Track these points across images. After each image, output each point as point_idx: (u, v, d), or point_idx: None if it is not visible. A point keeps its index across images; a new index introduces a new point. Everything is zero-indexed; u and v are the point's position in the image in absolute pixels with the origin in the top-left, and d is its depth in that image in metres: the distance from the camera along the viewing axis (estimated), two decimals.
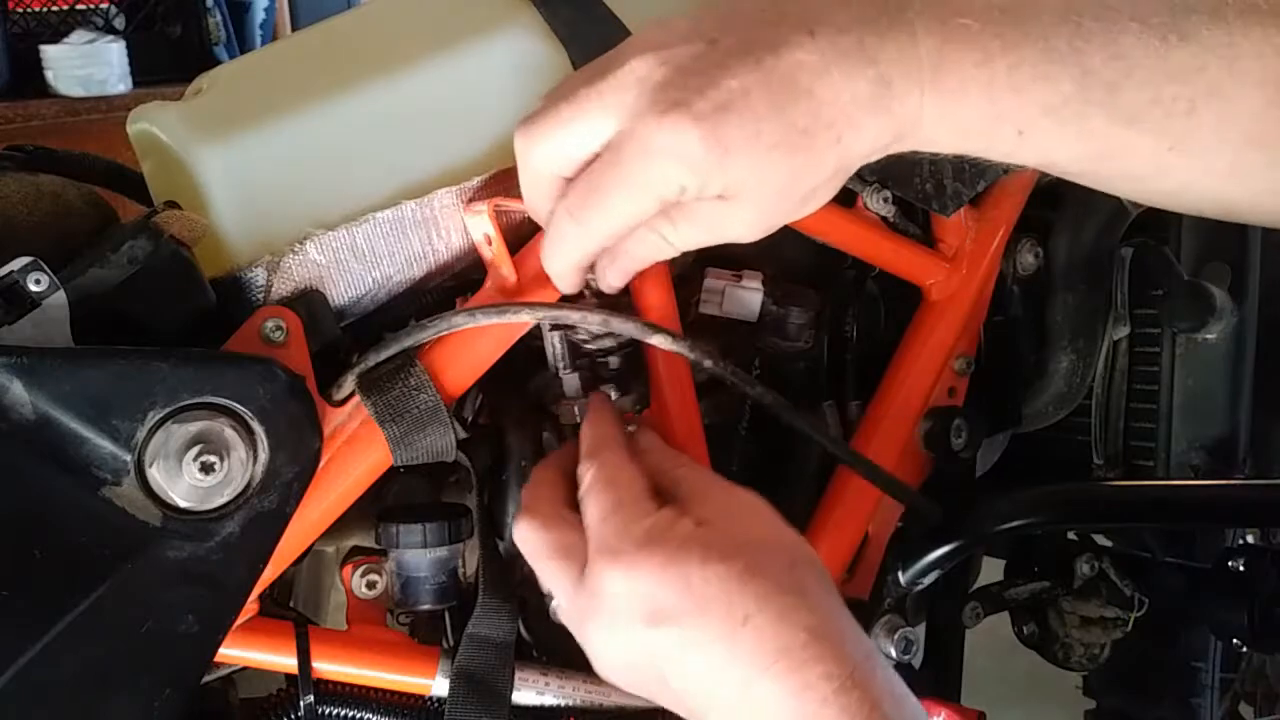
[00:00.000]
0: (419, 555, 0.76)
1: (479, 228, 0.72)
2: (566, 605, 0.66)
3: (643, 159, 0.60)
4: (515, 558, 0.80)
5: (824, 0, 0.60)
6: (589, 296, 0.75)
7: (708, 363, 0.74)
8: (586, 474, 0.68)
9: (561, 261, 0.68)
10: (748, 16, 0.61)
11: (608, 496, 0.66)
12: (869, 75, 0.58)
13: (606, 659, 0.65)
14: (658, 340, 0.73)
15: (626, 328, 0.73)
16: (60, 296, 0.59)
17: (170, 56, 2.89)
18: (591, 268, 0.70)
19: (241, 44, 3.09)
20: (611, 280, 0.70)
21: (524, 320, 0.72)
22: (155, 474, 0.60)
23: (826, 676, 0.58)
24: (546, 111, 0.63)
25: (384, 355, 0.69)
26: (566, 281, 0.70)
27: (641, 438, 0.74)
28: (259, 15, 3.18)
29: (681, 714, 0.63)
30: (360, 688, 0.76)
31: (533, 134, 0.64)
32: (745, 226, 0.64)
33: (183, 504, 0.61)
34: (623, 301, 0.78)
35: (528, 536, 0.69)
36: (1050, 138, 0.60)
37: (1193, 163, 0.61)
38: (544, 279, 0.73)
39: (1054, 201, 0.99)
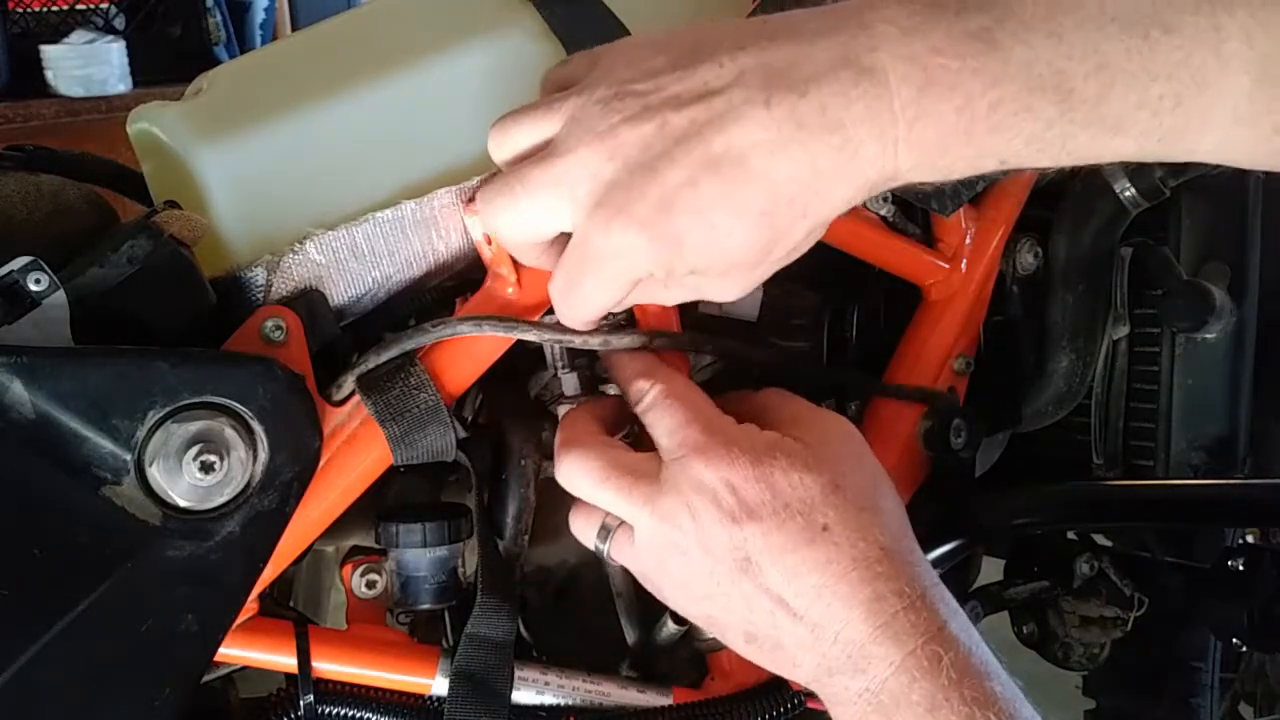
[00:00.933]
0: (419, 555, 0.76)
1: (479, 227, 0.72)
2: (638, 527, 0.67)
3: (600, 261, 0.61)
4: (515, 557, 0.80)
5: (788, 48, 0.58)
6: None
7: (707, 347, 0.74)
8: (648, 391, 0.69)
9: (571, 323, 0.69)
10: (703, 77, 0.58)
11: (680, 407, 0.67)
12: (833, 143, 0.56)
13: (684, 571, 0.65)
14: (660, 346, 0.74)
15: (625, 342, 0.73)
16: (60, 296, 0.59)
17: (170, 56, 2.89)
18: None
19: (241, 44, 3.10)
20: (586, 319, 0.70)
21: (529, 338, 0.71)
22: (155, 473, 0.60)
23: (898, 593, 0.61)
24: (501, 188, 0.64)
25: (385, 357, 0.69)
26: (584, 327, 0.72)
27: (764, 394, 0.74)
28: (259, 15, 3.18)
29: (753, 641, 0.65)
30: (360, 687, 0.76)
31: (492, 210, 0.65)
32: (725, 293, 0.65)
33: (183, 503, 0.61)
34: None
35: (582, 465, 0.68)
36: (1034, 160, 0.59)
37: (1178, 148, 0.60)
38: (543, 279, 0.73)
39: (1053, 201, 0.99)
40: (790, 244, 0.61)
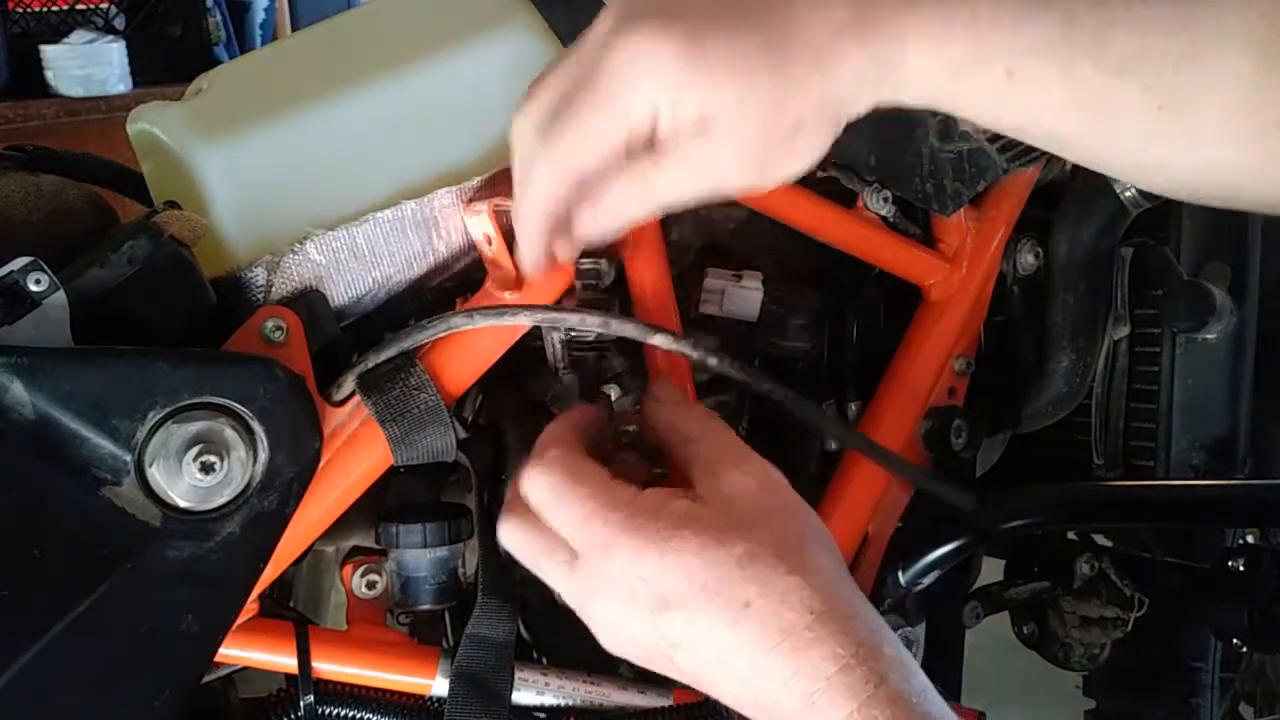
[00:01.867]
0: (419, 555, 0.76)
1: (479, 227, 0.72)
2: (565, 597, 0.65)
3: (614, 72, 0.58)
4: (515, 558, 0.80)
5: None
6: (579, 293, 0.75)
7: (712, 360, 0.73)
8: (537, 482, 0.64)
9: (531, 203, 0.63)
10: None
11: (573, 496, 0.63)
12: (848, 1, 0.57)
13: (610, 638, 0.64)
14: (658, 340, 0.73)
15: (626, 329, 0.72)
16: (60, 296, 0.59)
17: (170, 56, 2.89)
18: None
19: (241, 44, 3.10)
20: (590, 229, 0.64)
21: (522, 323, 0.72)
22: (155, 474, 0.60)
23: (832, 657, 0.58)
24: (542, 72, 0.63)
25: (384, 355, 0.69)
26: (531, 234, 0.65)
27: (660, 388, 0.71)
28: (259, 15, 3.18)
29: (691, 685, 0.63)
30: (360, 688, 0.76)
31: (529, 90, 0.63)
32: (733, 165, 0.60)
33: (183, 504, 0.61)
34: (622, 304, 0.78)
35: (509, 539, 0.67)
36: (1038, 81, 0.58)
37: (1181, 126, 0.59)
38: (544, 279, 0.73)
39: (1054, 201, 0.99)
40: (802, 105, 0.58)
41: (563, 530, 0.63)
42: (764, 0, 0.58)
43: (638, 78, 0.57)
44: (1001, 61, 0.58)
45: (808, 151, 0.61)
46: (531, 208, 0.64)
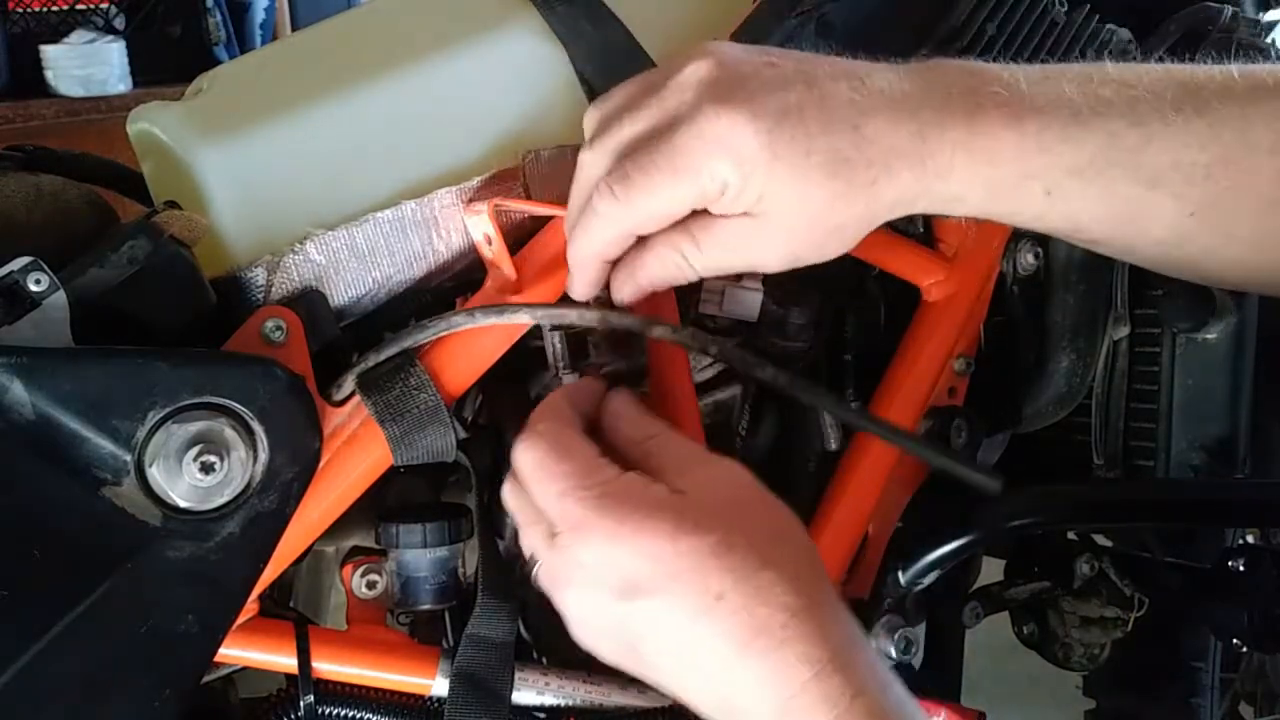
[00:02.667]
0: (419, 555, 0.76)
1: (479, 227, 0.72)
2: (542, 579, 0.65)
3: (696, 143, 0.61)
4: (515, 558, 0.80)
5: (870, 63, 0.65)
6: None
7: (713, 349, 0.73)
8: (523, 455, 0.65)
9: (589, 244, 0.67)
10: (802, 56, 0.64)
11: (554, 471, 0.63)
12: (910, 128, 0.62)
13: (580, 627, 0.63)
14: (659, 332, 0.73)
15: (625, 322, 0.72)
16: (60, 297, 0.59)
17: (170, 56, 2.89)
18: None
19: (241, 44, 3.10)
20: (623, 293, 0.70)
21: (522, 321, 0.71)
22: (155, 474, 0.60)
23: (806, 659, 0.56)
24: (615, 94, 0.67)
25: (384, 355, 0.69)
26: (586, 272, 0.69)
27: (612, 400, 0.70)
28: (259, 15, 3.18)
29: (658, 685, 0.62)
30: (360, 688, 0.76)
31: (600, 109, 0.67)
32: (772, 250, 0.65)
33: (183, 504, 0.61)
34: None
35: (506, 499, 0.67)
36: (1076, 198, 0.63)
37: (1214, 228, 0.63)
38: (545, 279, 0.73)
39: None
40: (847, 212, 0.63)
41: (542, 504, 0.63)
42: (841, 109, 0.62)
43: (719, 157, 0.61)
44: (1042, 182, 0.63)
45: (839, 247, 0.66)
46: (589, 248, 0.68)
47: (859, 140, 0.61)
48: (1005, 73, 0.63)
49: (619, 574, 0.59)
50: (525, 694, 0.77)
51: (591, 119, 0.68)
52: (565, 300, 0.74)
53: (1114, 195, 0.62)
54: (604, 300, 0.73)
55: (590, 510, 0.60)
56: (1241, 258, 0.65)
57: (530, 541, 0.65)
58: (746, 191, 0.61)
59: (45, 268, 0.59)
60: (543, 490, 0.63)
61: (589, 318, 0.71)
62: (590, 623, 0.62)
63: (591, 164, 0.66)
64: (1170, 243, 0.65)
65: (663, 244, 0.66)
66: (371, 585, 0.78)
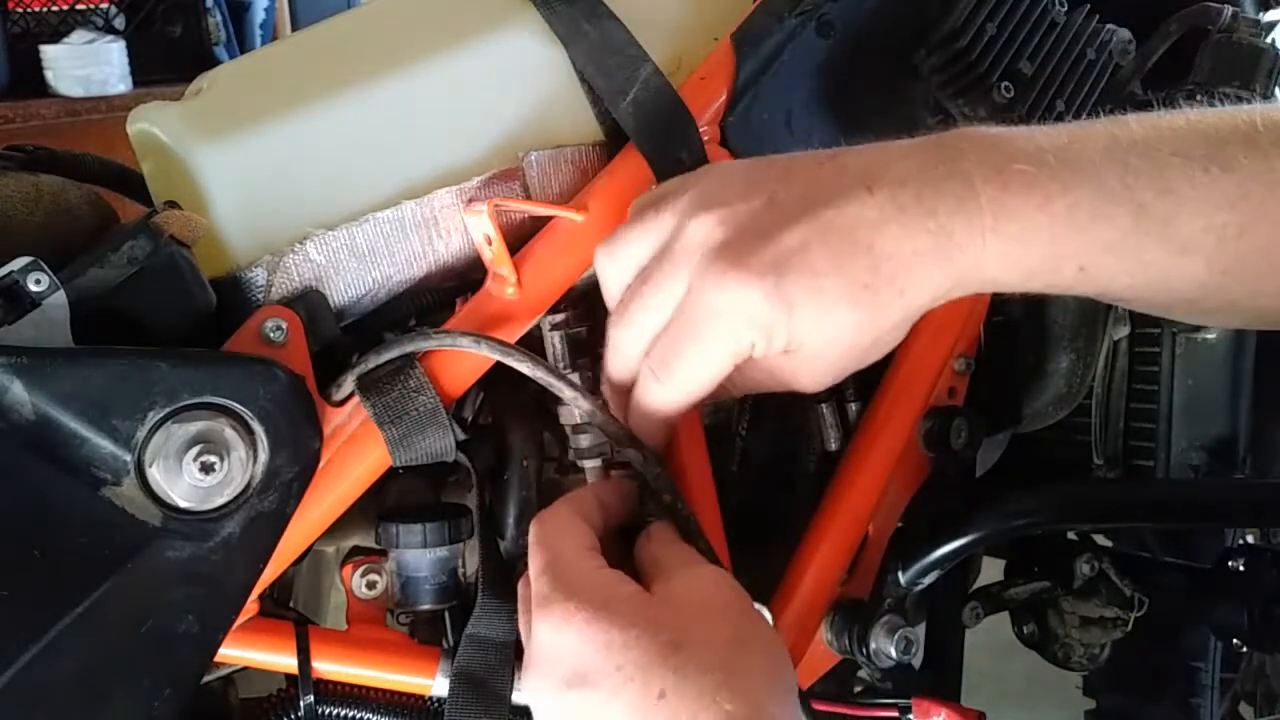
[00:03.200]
0: (419, 555, 0.76)
1: (479, 228, 0.72)
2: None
3: (710, 321, 0.61)
4: (516, 558, 0.80)
5: (881, 154, 0.62)
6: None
7: (667, 497, 0.71)
8: (532, 531, 0.67)
9: (654, 419, 0.68)
10: (805, 171, 0.63)
11: (547, 550, 0.65)
12: (929, 227, 0.60)
13: (537, 713, 0.62)
14: (630, 456, 0.71)
15: (610, 430, 0.70)
16: (60, 297, 0.59)
17: (170, 56, 2.89)
18: None
19: (241, 44, 3.10)
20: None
21: (525, 370, 0.70)
22: (155, 474, 0.60)
23: None
24: (622, 244, 0.67)
25: (384, 358, 0.69)
26: (659, 436, 0.70)
27: (655, 529, 0.71)
28: (259, 15, 3.18)
29: None
30: (360, 688, 0.76)
31: (612, 260, 0.67)
32: (810, 379, 0.65)
33: (183, 504, 0.61)
34: None
35: (534, 548, 0.68)
36: (1110, 271, 0.62)
37: (1244, 284, 0.62)
38: (544, 280, 0.73)
39: None
40: (881, 327, 0.62)
41: (531, 575, 0.65)
42: (850, 233, 0.60)
43: (738, 325, 0.61)
44: (1076, 260, 0.61)
45: (883, 350, 0.66)
46: (656, 424, 0.69)
47: (875, 261, 0.60)
48: (1029, 143, 0.61)
49: (570, 660, 0.59)
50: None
51: (606, 272, 0.68)
52: (565, 311, 0.74)
53: (1147, 264, 0.61)
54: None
55: (558, 591, 0.61)
56: (1271, 308, 0.64)
57: (522, 633, 0.68)
58: (774, 342, 0.61)
59: (45, 268, 0.59)
60: (532, 562, 0.65)
61: (579, 408, 0.71)
62: (542, 709, 0.62)
63: (626, 346, 0.67)
64: (1200, 299, 0.64)
65: None
66: (371, 585, 0.78)
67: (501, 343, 0.70)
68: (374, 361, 0.69)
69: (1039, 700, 1.88)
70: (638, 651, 0.57)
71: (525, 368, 0.70)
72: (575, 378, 0.74)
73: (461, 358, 0.72)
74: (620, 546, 0.70)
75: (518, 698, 0.75)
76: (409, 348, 0.69)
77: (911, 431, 0.90)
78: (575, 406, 0.71)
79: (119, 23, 2.89)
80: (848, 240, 0.60)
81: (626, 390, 0.69)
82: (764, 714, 0.56)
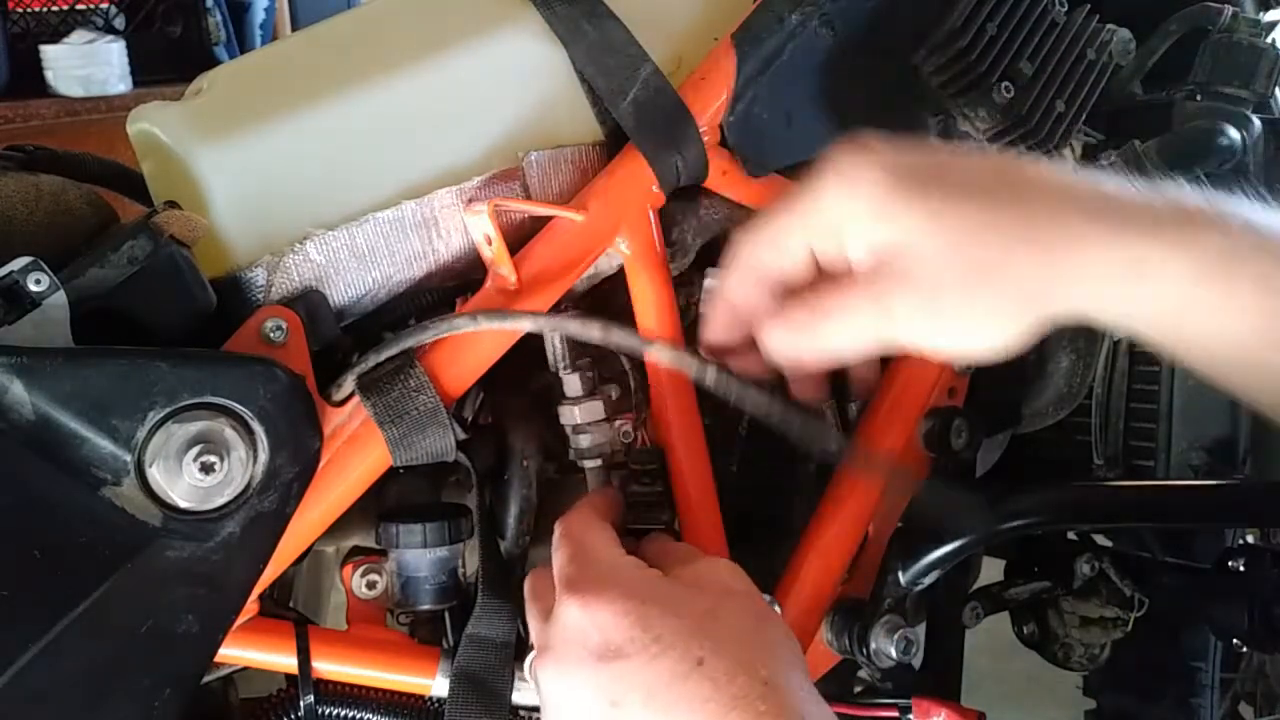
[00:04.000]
0: (419, 555, 0.76)
1: (479, 228, 0.72)
2: (534, 663, 0.66)
3: (819, 188, 0.63)
4: (516, 558, 0.80)
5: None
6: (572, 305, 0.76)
7: (708, 375, 0.73)
8: (558, 529, 0.70)
9: (724, 289, 0.70)
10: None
11: (574, 542, 0.67)
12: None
13: (555, 701, 0.63)
14: (657, 353, 0.74)
15: (626, 340, 0.73)
16: (60, 297, 0.59)
17: (170, 56, 2.89)
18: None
19: (241, 44, 3.09)
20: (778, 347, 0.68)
21: (524, 328, 0.72)
22: (155, 474, 0.60)
23: None
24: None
25: (384, 356, 0.69)
26: (717, 317, 0.72)
27: (654, 537, 0.75)
28: (259, 15, 3.18)
29: None
30: (360, 688, 0.76)
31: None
32: (907, 308, 0.62)
33: (183, 504, 0.61)
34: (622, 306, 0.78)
35: (525, 586, 0.72)
36: None
37: None
38: (544, 280, 0.73)
39: None
40: (1006, 283, 0.60)
41: (555, 566, 0.66)
42: (1015, 175, 0.60)
43: (839, 200, 0.62)
44: (1253, 266, 0.56)
45: (992, 328, 0.61)
46: (723, 293, 0.70)
47: (1039, 195, 0.59)
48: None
49: (604, 634, 0.60)
50: (525, 694, 0.77)
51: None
52: (566, 311, 0.74)
53: None
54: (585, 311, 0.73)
55: (587, 572, 0.64)
56: None
57: (531, 623, 0.68)
58: (876, 235, 0.61)
59: (45, 268, 0.59)
60: (558, 554, 0.67)
61: (591, 330, 0.72)
62: (569, 687, 0.62)
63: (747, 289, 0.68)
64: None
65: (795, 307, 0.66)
66: (371, 585, 0.78)
67: (498, 311, 0.70)
68: (374, 360, 0.69)
69: (1039, 700, 1.88)
70: (675, 621, 0.59)
71: (526, 323, 0.71)
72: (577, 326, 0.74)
73: (460, 356, 0.72)
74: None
75: (518, 697, 0.76)
76: (408, 343, 0.69)
77: (911, 432, 0.90)
78: (587, 331, 0.72)
79: (119, 23, 2.89)
80: (1019, 178, 0.60)
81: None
82: (792, 683, 0.59)
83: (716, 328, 0.72)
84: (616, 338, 0.73)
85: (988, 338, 0.61)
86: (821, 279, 0.65)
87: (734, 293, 0.69)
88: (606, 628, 0.60)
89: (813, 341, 0.65)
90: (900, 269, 0.60)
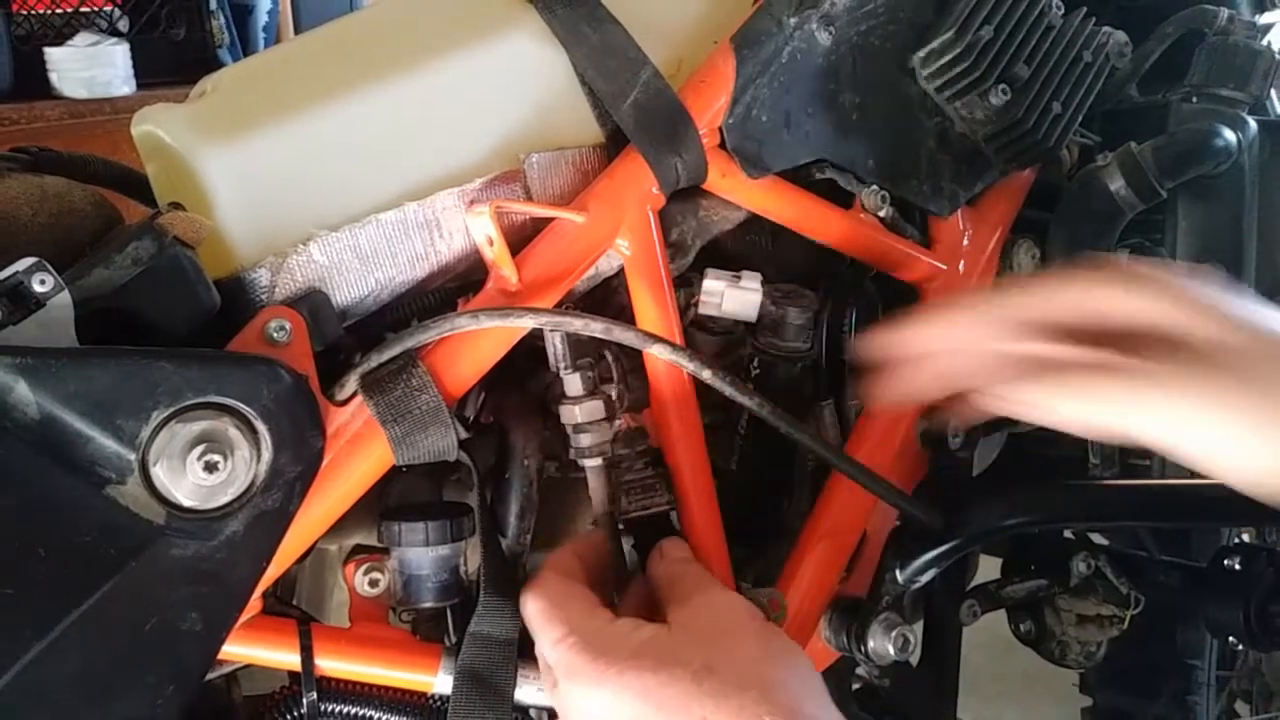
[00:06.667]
0: (421, 553, 0.77)
1: (481, 229, 0.72)
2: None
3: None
4: (518, 556, 0.80)
5: None
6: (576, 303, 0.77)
7: (706, 373, 0.74)
8: (527, 605, 0.70)
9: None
10: None
11: (552, 618, 0.67)
12: None
13: None
14: (657, 350, 0.74)
15: (627, 337, 0.73)
16: (65, 297, 0.59)
17: (174, 58, 2.89)
18: None
19: (245, 46, 3.09)
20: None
21: (526, 325, 0.72)
22: (159, 473, 0.60)
23: None
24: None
25: (386, 356, 0.70)
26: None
27: (668, 544, 0.76)
28: (262, 18, 3.17)
29: None
30: (363, 685, 0.76)
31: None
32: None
33: (187, 503, 0.61)
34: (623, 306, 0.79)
35: (532, 604, 0.72)
36: None
37: None
38: (544, 280, 0.74)
39: (1050, 203, 0.99)
40: None
41: (544, 651, 0.68)
42: None
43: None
44: None
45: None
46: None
47: None
48: None
49: (613, 715, 0.62)
50: (527, 690, 0.77)
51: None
52: (568, 309, 0.75)
53: None
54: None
55: (580, 656, 0.64)
56: None
57: (544, 685, 0.70)
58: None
59: (50, 268, 0.59)
60: (544, 639, 0.68)
61: (593, 327, 0.72)
62: None
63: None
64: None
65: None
66: (374, 583, 0.78)
67: (499, 309, 0.71)
68: (376, 360, 0.70)
69: (1036, 698, 1.89)
70: (672, 688, 0.60)
71: (527, 320, 0.71)
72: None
73: (462, 355, 0.72)
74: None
75: (521, 695, 0.76)
76: (409, 343, 0.70)
77: (909, 431, 0.91)
78: (589, 329, 0.73)
79: (123, 25, 2.89)
80: None
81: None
82: (805, 710, 0.59)
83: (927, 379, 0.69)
84: (619, 335, 0.73)
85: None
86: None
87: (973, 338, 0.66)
88: (611, 706, 0.62)
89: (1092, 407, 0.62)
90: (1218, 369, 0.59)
